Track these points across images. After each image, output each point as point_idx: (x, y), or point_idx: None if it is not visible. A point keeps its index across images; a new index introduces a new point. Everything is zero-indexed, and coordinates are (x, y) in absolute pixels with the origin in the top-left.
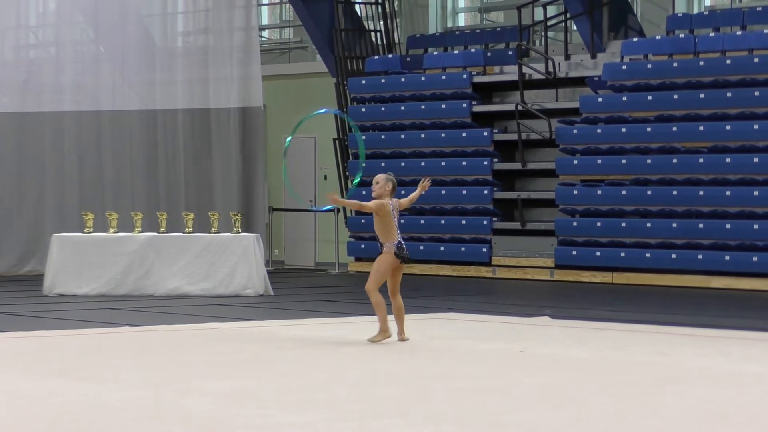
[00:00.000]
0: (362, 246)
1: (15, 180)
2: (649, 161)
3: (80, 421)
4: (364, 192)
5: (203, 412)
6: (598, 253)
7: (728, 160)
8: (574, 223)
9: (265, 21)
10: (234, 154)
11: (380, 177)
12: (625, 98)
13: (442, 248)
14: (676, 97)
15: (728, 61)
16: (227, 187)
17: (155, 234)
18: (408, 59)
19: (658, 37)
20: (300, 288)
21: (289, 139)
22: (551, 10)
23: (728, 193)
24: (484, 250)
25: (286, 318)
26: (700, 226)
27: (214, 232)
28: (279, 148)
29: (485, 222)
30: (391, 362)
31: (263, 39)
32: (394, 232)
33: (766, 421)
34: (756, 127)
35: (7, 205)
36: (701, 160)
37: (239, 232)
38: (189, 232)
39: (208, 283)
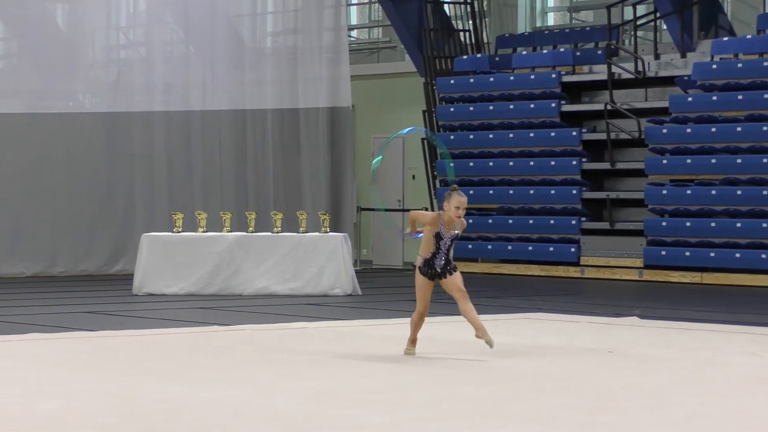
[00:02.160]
0: None
1: (105, 180)
2: (739, 161)
3: (170, 420)
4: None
5: (291, 412)
6: (687, 253)
7: None
8: (663, 223)
9: (354, 21)
10: (322, 154)
11: (465, 202)
12: (715, 98)
13: (530, 248)
14: (766, 96)
15: None
16: (315, 186)
17: (244, 233)
18: (496, 59)
19: (749, 36)
20: (388, 288)
21: (378, 159)
22: (641, 10)
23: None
24: (573, 250)
25: (374, 318)
26: None
27: (303, 232)
28: (368, 148)
29: (574, 222)
30: (479, 362)
31: (352, 39)
32: (429, 251)
33: None
34: None
35: (97, 205)
36: None
37: (327, 232)
38: (277, 232)
39: (295, 282)
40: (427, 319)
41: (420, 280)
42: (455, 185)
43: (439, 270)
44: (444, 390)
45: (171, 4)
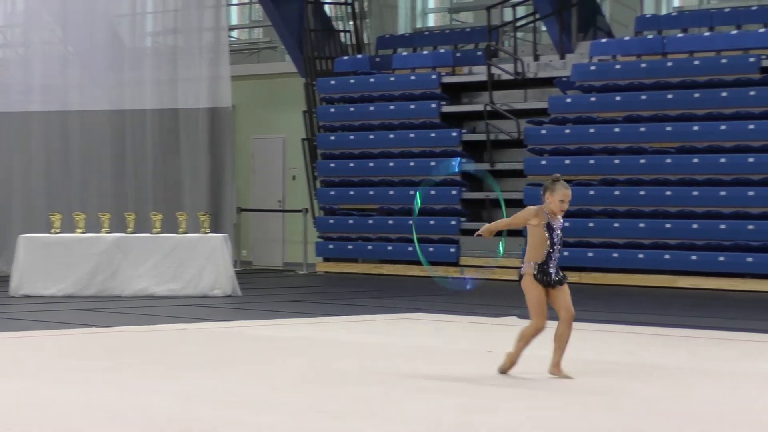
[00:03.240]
0: (330, 246)
1: None
2: (617, 161)
3: (44, 422)
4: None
5: (168, 413)
6: (565, 253)
7: (695, 160)
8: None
9: (234, 21)
10: (202, 155)
11: (570, 194)
12: (593, 99)
13: (410, 248)
14: (644, 97)
15: (696, 62)
16: (195, 187)
17: (123, 234)
18: (377, 59)
19: (627, 38)
20: (268, 288)
21: (418, 196)
22: (520, 11)
23: (695, 193)
24: (452, 250)
25: (253, 318)
26: (667, 226)
27: (182, 233)
28: (248, 149)
29: (453, 222)
30: (359, 363)
31: (232, 39)
32: (541, 251)
33: (712, 413)
34: (723, 128)
35: None
36: (669, 161)
37: (207, 233)
38: (157, 233)
39: (175, 283)
40: (308, 319)
41: (535, 290)
42: (558, 174)
43: (554, 277)
44: (323, 391)
45: (49, 4)
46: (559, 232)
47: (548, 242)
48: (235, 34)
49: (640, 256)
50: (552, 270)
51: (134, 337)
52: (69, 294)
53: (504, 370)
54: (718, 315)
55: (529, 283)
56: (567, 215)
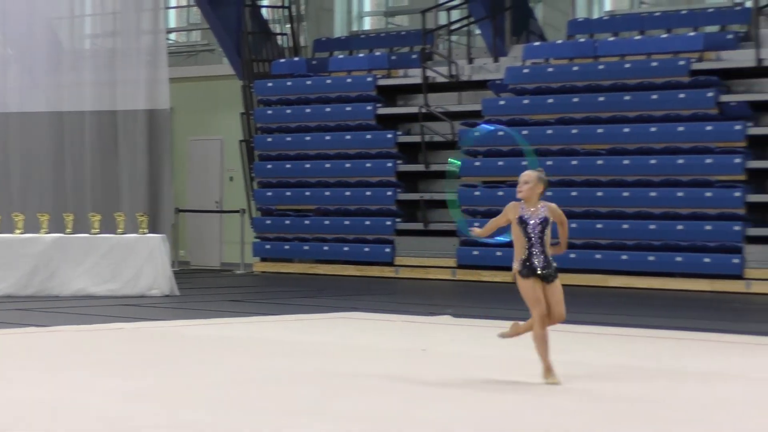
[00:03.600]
0: (267, 247)
1: None
2: (549, 163)
3: None
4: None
5: (107, 412)
6: (498, 253)
7: (626, 161)
8: (476, 224)
9: (172, 24)
10: (141, 156)
11: (530, 175)
12: (526, 101)
13: (346, 248)
14: (576, 100)
15: (627, 65)
16: (133, 188)
17: (61, 235)
18: (314, 62)
19: (559, 42)
20: (205, 288)
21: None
22: (455, 15)
23: (626, 194)
24: (388, 250)
25: (191, 318)
26: (599, 226)
27: (121, 233)
28: (186, 150)
29: (388, 223)
30: (296, 362)
31: (170, 42)
32: (522, 247)
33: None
34: (653, 129)
35: None
36: (600, 162)
37: (145, 233)
38: (95, 233)
39: (114, 283)
40: (246, 318)
41: (525, 284)
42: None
43: (540, 271)
44: (258, 390)
45: None
46: (536, 223)
47: (524, 237)
48: (173, 36)
49: (572, 255)
50: (537, 264)
51: (72, 337)
52: (8, 294)
53: (552, 382)
54: (645, 314)
55: (518, 281)
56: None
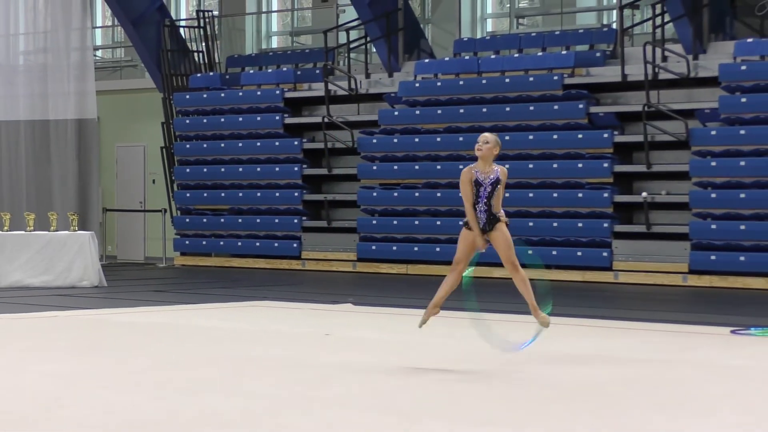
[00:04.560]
0: (186, 242)
1: None
2: (438, 167)
3: None
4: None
5: (40, 393)
6: (394, 248)
7: (507, 166)
8: (374, 222)
9: (99, 42)
10: (71, 161)
11: (490, 137)
12: (417, 112)
13: (258, 244)
14: (462, 111)
15: (507, 80)
16: (65, 190)
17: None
18: (227, 77)
19: (447, 59)
20: (131, 280)
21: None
22: (353, 34)
23: (507, 195)
24: (295, 245)
25: (118, 307)
26: None
27: (53, 231)
28: (112, 156)
29: (296, 221)
30: (212, 346)
31: (97, 58)
32: (470, 202)
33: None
34: (531, 137)
35: None
36: None
37: (76, 230)
38: (30, 231)
39: (47, 276)
40: (167, 306)
41: (462, 236)
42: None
43: (482, 226)
44: (175, 372)
45: None
46: (487, 184)
47: (474, 196)
48: (99, 53)
49: None
50: (480, 219)
51: (9, 324)
52: None
53: (425, 320)
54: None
55: (461, 231)
56: (394, 214)
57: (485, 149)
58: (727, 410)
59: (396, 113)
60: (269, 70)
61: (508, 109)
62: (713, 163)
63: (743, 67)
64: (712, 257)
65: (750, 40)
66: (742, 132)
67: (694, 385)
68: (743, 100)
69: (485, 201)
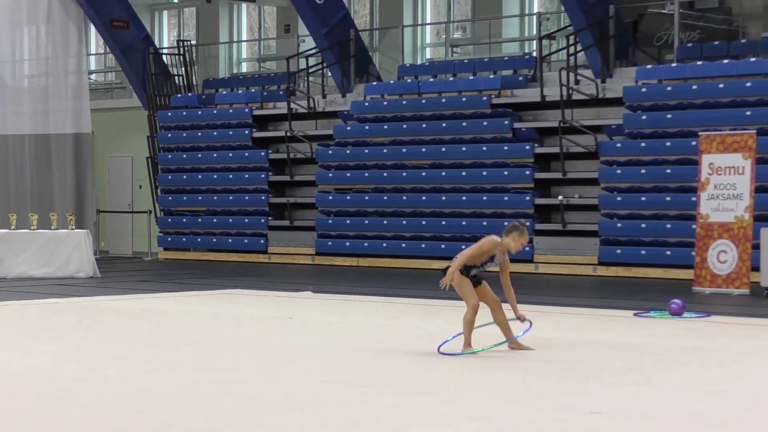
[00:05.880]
0: (169, 239)
1: None
2: (385, 175)
3: None
4: None
5: (42, 368)
6: (347, 244)
7: (443, 173)
8: (330, 221)
9: (93, 66)
10: (69, 169)
11: (525, 241)
12: (367, 127)
13: (230, 240)
14: (405, 126)
15: (443, 100)
16: (64, 194)
17: (7, 231)
18: (203, 97)
19: (392, 82)
20: (121, 272)
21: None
22: (312, 61)
23: (443, 198)
24: (262, 242)
25: (110, 294)
26: (423, 222)
27: (54, 229)
28: (105, 165)
29: (263, 221)
30: (191, 327)
31: (92, 80)
32: (472, 261)
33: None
34: (464, 149)
35: None
36: (424, 174)
37: (73, 229)
38: (34, 229)
39: (49, 268)
40: (153, 294)
41: (464, 280)
42: (524, 220)
43: (472, 278)
44: (162, 349)
45: None
46: (490, 262)
47: (479, 261)
48: (93, 76)
49: (403, 245)
50: (471, 274)
51: (17, 309)
52: None
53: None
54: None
55: (457, 276)
56: (347, 214)
57: (519, 247)
58: (629, 382)
59: (348, 128)
60: (240, 91)
61: (444, 125)
62: (618, 171)
63: (644, 90)
64: (618, 251)
65: (649, 66)
66: (643, 144)
67: (601, 360)
68: (644, 117)
69: (482, 269)
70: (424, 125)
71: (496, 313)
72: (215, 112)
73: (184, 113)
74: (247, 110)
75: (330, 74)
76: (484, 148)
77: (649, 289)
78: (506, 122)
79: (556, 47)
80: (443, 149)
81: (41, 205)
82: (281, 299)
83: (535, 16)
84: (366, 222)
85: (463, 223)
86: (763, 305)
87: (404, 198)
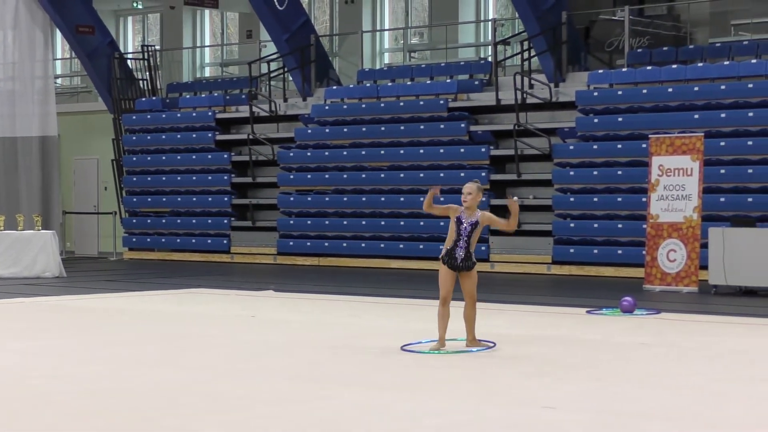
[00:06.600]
0: (133, 239)
1: None
2: (345, 176)
3: None
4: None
5: (13, 366)
6: (308, 244)
7: (402, 175)
8: (291, 222)
9: (59, 71)
10: (35, 171)
11: (472, 187)
12: (327, 130)
13: (193, 240)
14: (364, 129)
15: (401, 104)
16: (30, 195)
17: None
18: (167, 100)
19: (351, 86)
20: (86, 271)
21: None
22: (274, 65)
23: (402, 199)
24: (225, 242)
25: (76, 294)
26: (382, 223)
27: (20, 230)
28: (70, 167)
29: (225, 221)
30: (155, 326)
31: (58, 84)
32: (451, 239)
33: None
34: (422, 152)
35: None
36: (382, 176)
37: (40, 230)
38: (0, 230)
39: (15, 268)
40: (117, 294)
41: (442, 269)
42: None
43: (459, 262)
44: (131, 348)
45: None
46: (467, 225)
47: (455, 233)
48: (59, 80)
49: (363, 245)
50: (458, 256)
51: None
52: None
53: (437, 349)
54: (420, 288)
55: (440, 265)
56: (308, 215)
57: (469, 200)
58: (582, 376)
59: (309, 131)
60: (203, 95)
61: (402, 128)
62: (571, 173)
63: (595, 93)
64: (571, 250)
65: (601, 71)
66: (595, 147)
67: (555, 356)
68: (596, 120)
69: (465, 239)
70: (382, 128)
71: (467, 307)
72: (179, 115)
73: (149, 116)
74: (210, 114)
75: (291, 78)
76: (441, 151)
77: (601, 287)
78: (462, 125)
79: (511, 52)
80: (401, 151)
81: (8, 206)
82: (244, 298)
83: (490, 23)
84: (326, 222)
85: (421, 223)
86: (711, 302)
87: (363, 199)
